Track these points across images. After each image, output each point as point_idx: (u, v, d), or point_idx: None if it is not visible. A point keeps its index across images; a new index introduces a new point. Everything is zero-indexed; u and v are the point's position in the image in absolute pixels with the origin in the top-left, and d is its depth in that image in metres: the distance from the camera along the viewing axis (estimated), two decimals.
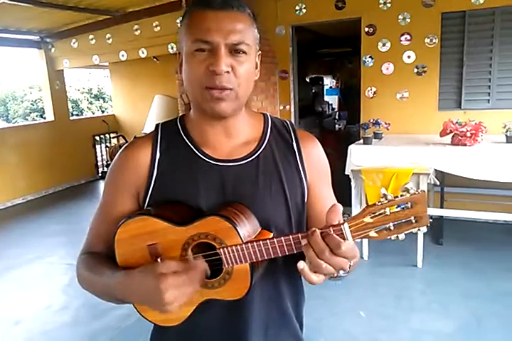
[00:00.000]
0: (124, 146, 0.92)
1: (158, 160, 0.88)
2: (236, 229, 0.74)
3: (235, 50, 0.78)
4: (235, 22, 0.78)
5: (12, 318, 2.94)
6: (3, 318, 2.96)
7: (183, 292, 0.70)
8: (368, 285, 3.19)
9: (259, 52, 0.87)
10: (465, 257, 3.51)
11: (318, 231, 0.68)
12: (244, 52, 0.79)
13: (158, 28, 5.22)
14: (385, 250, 3.59)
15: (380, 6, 4.32)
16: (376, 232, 0.67)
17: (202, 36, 0.77)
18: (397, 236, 0.66)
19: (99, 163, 7.48)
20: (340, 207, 0.71)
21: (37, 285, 3.43)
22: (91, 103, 16.35)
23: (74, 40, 6.01)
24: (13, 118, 15.69)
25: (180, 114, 0.98)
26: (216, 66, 0.76)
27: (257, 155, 0.88)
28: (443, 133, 3.50)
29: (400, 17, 4.26)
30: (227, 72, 0.78)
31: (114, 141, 7.50)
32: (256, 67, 0.86)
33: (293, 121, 5.09)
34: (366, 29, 4.44)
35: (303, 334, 0.99)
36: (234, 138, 0.89)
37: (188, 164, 0.87)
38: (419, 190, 0.65)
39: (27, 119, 14.84)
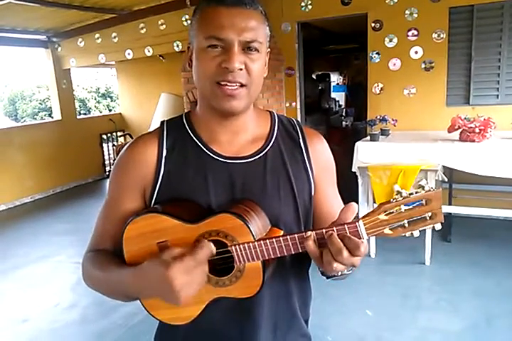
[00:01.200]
0: (129, 143, 0.91)
1: (165, 157, 0.87)
2: (248, 227, 0.73)
3: (247, 48, 0.78)
4: (249, 19, 0.78)
5: (20, 316, 2.96)
6: (12, 316, 2.98)
7: (192, 276, 0.69)
8: (375, 284, 3.17)
9: (268, 49, 0.87)
10: (474, 255, 3.48)
11: (335, 233, 0.68)
12: (256, 50, 0.79)
13: (164, 26, 5.22)
14: (392, 248, 3.57)
15: (387, 1, 4.28)
16: (391, 229, 0.66)
17: (215, 33, 0.76)
18: (412, 233, 0.66)
19: (107, 162, 7.51)
20: (356, 207, 0.71)
21: (45, 284, 3.45)
22: (98, 102, 16.42)
23: (80, 39, 6.03)
24: (22, 118, 15.80)
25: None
26: (230, 63, 0.76)
27: (265, 153, 0.88)
28: (451, 129, 3.47)
29: (407, 12, 4.22)
30: (240, 69, 0.78)
31: (121, 140, 7.53)
32: (265, 65, 0.86)
33: (299, 118, 5.07)
34: (373, 25, 4.41)
35: (308, 328, 0.99)
36: (241, 135, 0.89)
37: (196, 161, 0.86)
38: (434, 187, 0.64)
39: (35, 119, 14.94)
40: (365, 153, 3.58)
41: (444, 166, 3.38)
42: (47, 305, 3.10)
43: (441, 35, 4.14)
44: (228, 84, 0.78)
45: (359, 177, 3.57)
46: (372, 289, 3.09)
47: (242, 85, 0.79)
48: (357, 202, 3.16)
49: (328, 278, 0.82)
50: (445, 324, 2.59)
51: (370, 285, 3.16)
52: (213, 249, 0.73)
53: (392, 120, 3.82)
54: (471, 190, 4.07)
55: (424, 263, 3.35)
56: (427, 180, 3.25)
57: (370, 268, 3.39)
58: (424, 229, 0.67)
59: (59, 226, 4.88)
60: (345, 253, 0.67)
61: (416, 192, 0.64)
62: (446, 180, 3.53)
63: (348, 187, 3.90)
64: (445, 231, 3.83)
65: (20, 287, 3.43)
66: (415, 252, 3.44)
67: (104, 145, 7.51)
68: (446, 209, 3.74)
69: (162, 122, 0.93)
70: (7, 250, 4.22)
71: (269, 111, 0.97)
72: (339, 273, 0.75)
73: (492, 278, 3.08)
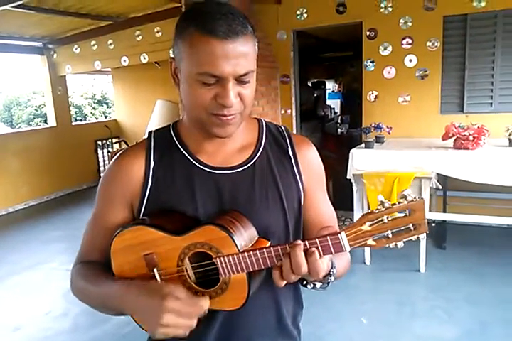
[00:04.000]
0: (117, 156, 0.90)
1: (153, 168, 0.87)
2: (232, 238, 0.73)
3: (241, 79, 0.76)
4: (241, 51, 0.74)
5: (11, 324, 2.92)
6: (3, 324, 2.94)
7: (179, 322, 0.70)
8: (369, 291, 3.16)
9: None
10: (468, 262, 3.47)
11: (301, 244, 0.69)
12: (250, 78, 0.78)
13: (160, 33, 5.24)
14: (387, 255, 3.56)
15: (381, 10, 4.31)
16: (374, 240, 0.66)
17: (209, 70, 0.73)
18: (396, 244, 0.65)
19: (101, 168, 7.48)
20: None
21: (37, 291, 3.42)
22: (94, 108, 16.42)
23: (76, 46, 6.04)
24: (17, 124, 15.77)
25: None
26: (226, 100, 0.75)
27: (253, 163, 0.88)
28: (445, 137, 3.48)
29: (402, 21, 4.25)
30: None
31: (116, 146, 7.51)
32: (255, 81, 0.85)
33: (294, 126, 5.08)
34: (367, 33, 4.44)
35: (300, 338, 0.98)
36: (229, 145, 0.89)
37: (184, 172, 0.86)
38: (417, 197, 0.63)
39: (31, 125, 14.91)
40: (359, 160, 3.58)
41: (438, 173, 3.38)
42: (39, 313, 3.07)
43: (436, 44, 4.17)
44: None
45: (354, 184, 3.56)
46: (367, 296, 3.08)
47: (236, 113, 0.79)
48: (352, 210, 3.13)
49: (302, 285, 0.83)
50: (440, 331, 2.58)
51: (365, 292, 3.15)
52: (206, 308, 0.74)
53: (387, 127, 3.83)
54: (465, 197, 4.07)
55: (419, 271, 3.34)
56: (421, 187, 3.25)
57: (364, 276, 3.38)
58: (420, 239, 0.67)
59: (53, 233, 4.84)
60: (304, 268, 0.69)
61: (399, 203, 0.63)
62: (440, 187, 3.53)
63: (344, 195, 3.92)
64: (440, 239, 3.82)
65: (12, 295, 3.40)
66: (410, 259, 3.43)
67: (99, 151, 7.49)
68: (441, 216, 3.74)
69: (149, 133, 0.92)
70: (0, 257, 4.18)
71: (257, 119, 0.96)
72: (312, 286, 0.79)
73: (486, 286, 3.07)
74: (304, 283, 0.81)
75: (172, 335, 0.70)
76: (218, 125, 0.79)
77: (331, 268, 0.77)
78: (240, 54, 0.73)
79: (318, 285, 0.79)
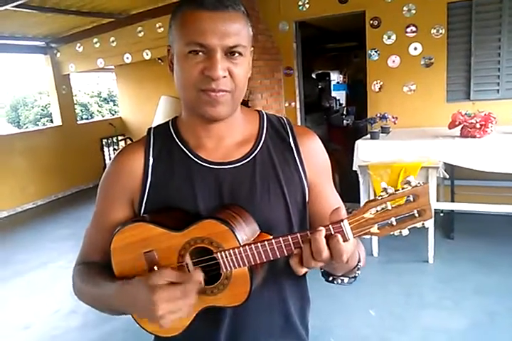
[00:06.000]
0: (116, 153, 0.90)
1: (152, 165, 0.85)
2: (233, 232, 0.71)
3: (230, 53, 0.75)
4: (231, 23, 0.74)
5: (21, 323, 2.94)
6: (13, 323, 2.96)
7: (177, 306, 0.68)
8: (377, 283, 3.14)
9: (252, 48, 0.84)
10: (477, 251, 3.44)
11: (323, 230, 0.66)
12: (240, 54, 0.76)
13: (162, 29, 5.20)
14: (395, 246, 3.53)
15: None
16: (378, 228, 0.64)
17: (196, 39, 0.73)
18: (401, 232, 0.63)
19: None
20: (341, 210, 0.69)
21: (46, 290, 3.44)
22: (100, 106, 16.47)
23: (79, 45, 6.03)
24: (24, 124, 15.86)
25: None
26: (213, 71, 0.73)
27: (254, 156, 0.86)
28: (452, 126, 3.43)
29: (405, 8, 4.19)
30: (224, 76, 0.75)
31: (121, 144, 7.51)
32: (249, 65, 0.83)
33: (299, 118, 5.04)
34: (371, 22, 4.38)
35: (309, 338, 0.96)
36: (228, 139, 0.87)
37: (183, 169, 0.85)
38: (421, 182, 0.61)
39: (38, 125, 14.99)
40: (365, 151, 3.55)
41: (445, 163, 3.34)
42: (48, 311, 3.08)
43: (440, 31, 4.11)
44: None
45: (360, 175, 3.54)
46: (375, 288, 3.06)
47: (226, 91, 0.77)
48: (358, 201, 3.10)
49: (328, 281, 0.81)
50: (448, 322, 2.55)
51: (373, 284, 3.12)
52: (202, 280, 0.71)
53: (393, 117, 3.79)
54: (473, 186, 4.03)
55: (427, 261, 3.31)
56: (428, 177, 3.21)
57: (372, 267, 3.36)
58: (427, 228, 0.64)
59: (60, 231, 4.87)
60: (325, 253, 0.65)
61: (402, 188, 0.61)
62: (447, 176, 3.49)
63: (350, 186, 3.89)
64: (448, 229, 3.79)
65: (21, 293, 3.42)
66: (418, 250, 3.40)
67: (105, 149, 7.50)
68: (449, 206, 3.71)
69: (149, 129, 0.91)
70: (9, 256, 4.21)
71: (258, 111, 0.94)
72: (339, 282, 0.76)
73: (495, 275, 3.04)
74: (331, 278, 0.79)
75: (178, 319, 0.69)
76: (208, 103, 0.77)
77: (358, 261, 0.75)
78: (229, 26, 0.74)
79: (346, 279, 0.77)
